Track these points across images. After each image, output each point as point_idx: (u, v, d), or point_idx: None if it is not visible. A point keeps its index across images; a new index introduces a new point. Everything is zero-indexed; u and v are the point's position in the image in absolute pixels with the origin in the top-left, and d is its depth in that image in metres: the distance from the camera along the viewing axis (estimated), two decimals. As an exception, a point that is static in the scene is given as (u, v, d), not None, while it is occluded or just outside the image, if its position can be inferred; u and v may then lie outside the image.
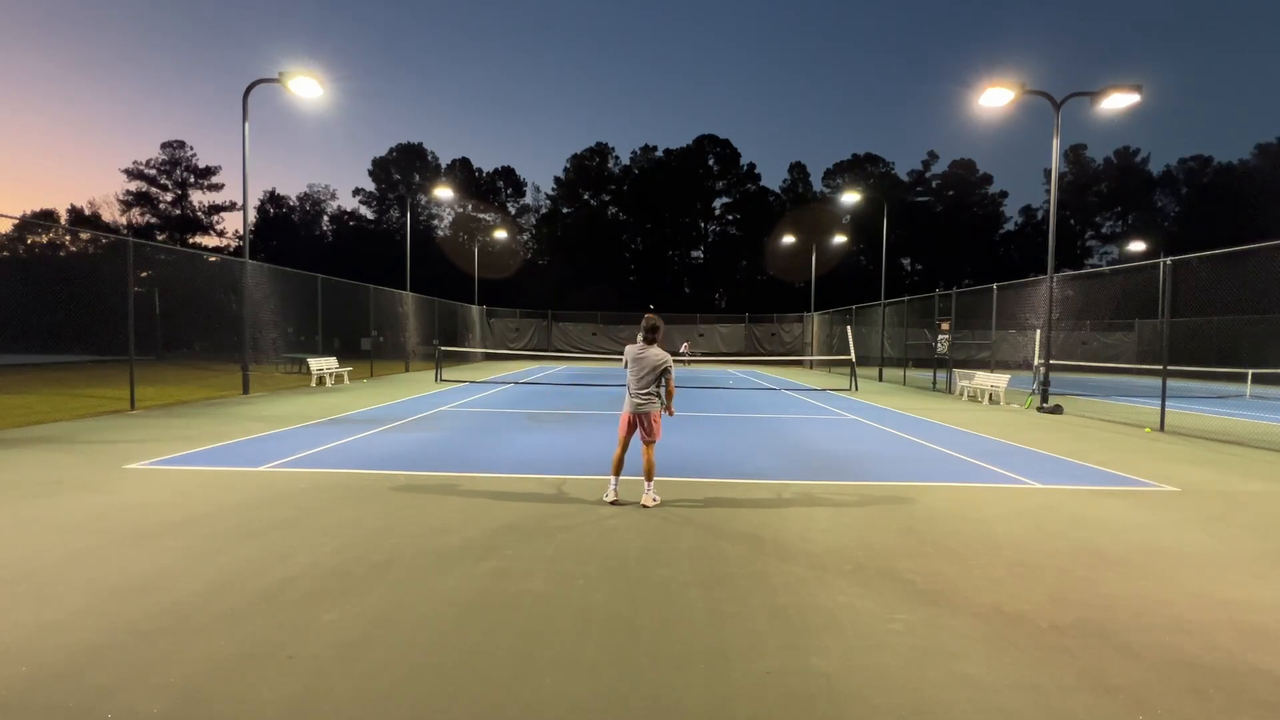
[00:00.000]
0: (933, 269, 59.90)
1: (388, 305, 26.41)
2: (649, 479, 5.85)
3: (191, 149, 56.44)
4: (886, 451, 9.18)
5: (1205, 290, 17.11)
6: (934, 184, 63.21)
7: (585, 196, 63.15)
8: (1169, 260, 12.38)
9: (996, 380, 16.95)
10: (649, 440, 5.89)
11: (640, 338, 5.92)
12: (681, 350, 38.64)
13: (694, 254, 64.49)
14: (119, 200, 55.11)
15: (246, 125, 15.60)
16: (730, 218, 63.68)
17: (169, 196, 56.08)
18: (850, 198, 43.70)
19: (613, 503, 5.82)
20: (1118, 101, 14.22)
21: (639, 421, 5.88)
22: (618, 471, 5.95)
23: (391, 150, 62.32)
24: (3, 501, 5.72)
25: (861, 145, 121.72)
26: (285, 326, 19.40)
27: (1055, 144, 15.22)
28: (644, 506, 5.73)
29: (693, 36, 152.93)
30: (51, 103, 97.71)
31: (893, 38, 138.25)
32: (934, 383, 21.49)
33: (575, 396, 16.45)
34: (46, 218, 52.11)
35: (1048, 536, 5.17)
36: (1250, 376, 22.08)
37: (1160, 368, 12.16)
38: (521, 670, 2.97)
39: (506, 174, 64.55)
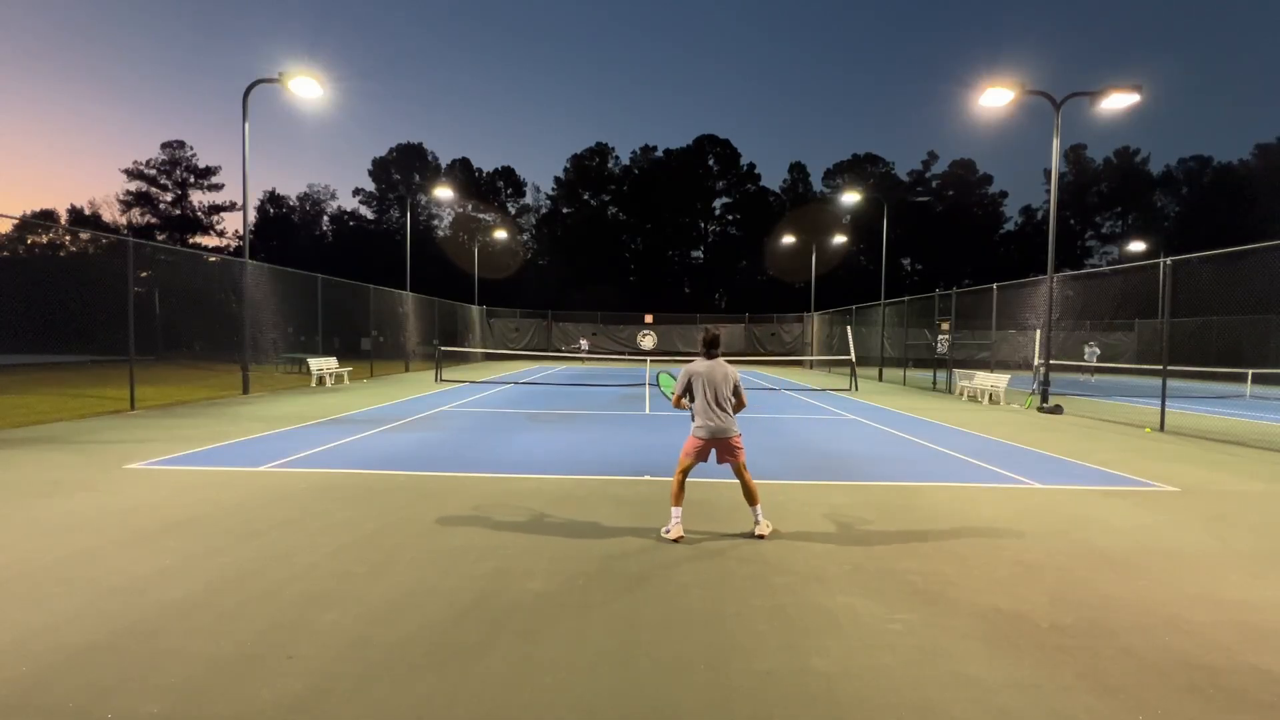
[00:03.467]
0: (933, 269, 59.87)
1: (388, 305, 26.41)
2: (757, 503, 5.04)
3: (191, 149, 56.54)
4: (886, 451, 9.17)
5: (1205, 290, 17.11)
6: (934, 184, 63.15)
7: (585, 196, 63.13)
8: (1169, 260, 12.38)
9: (996, 380, 16.95)
10: (742, 464, 5.02)
11: (705, 353, 5.09)
12: (581, 345, 38.95)
13: (694, 254, 64.47)
14: (119, 200, 55.21)
15: (246, 125, 15.61)
16: (730, 218, 63.65)
17: (169, 196, 56.12)
18: (850, 198, 43.70)
19: (676, 540, 4.84)
20: (1117, 101, 14.23)
21: (721, 446, 4.96)
22: (680, 502, 4.97)
23: (391, 150, 62.35)
24: (2, 501, 5.73)
25: (861, 145, 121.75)
26: (285, 326, 19.40)
27: (1055, 144, 15.21)
28: (760, 536, 4.93)
29: (693, 36, 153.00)
30: (52, 103, 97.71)
31: (893, 37, 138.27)
32: (934, 383, 21.49)
33: (575, 397, 16.45)
34: (46, 218, 52.17)
35: (1048, 536, 5.17)
36: (1250, 376, 22.08)
37: (1160, 368, 12.16)
38: (521, 670, 2.97)
39: (506, 174, 64.57)
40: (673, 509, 4.96)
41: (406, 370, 25.85)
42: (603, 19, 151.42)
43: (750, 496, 5.07)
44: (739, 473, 5.06)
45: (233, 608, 3.58)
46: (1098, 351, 25.85)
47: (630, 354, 40.16)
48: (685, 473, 5.03)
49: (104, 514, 5.35)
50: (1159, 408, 11.89)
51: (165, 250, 31.68)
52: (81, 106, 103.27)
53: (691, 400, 5.07)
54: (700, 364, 5.06)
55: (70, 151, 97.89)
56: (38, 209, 55.19)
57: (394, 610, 3.58)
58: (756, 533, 4.99)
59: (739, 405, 5.13)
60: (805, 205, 60.02)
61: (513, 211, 64.33)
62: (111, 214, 55.01)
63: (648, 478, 7.06)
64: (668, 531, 4.92)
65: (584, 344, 39.78)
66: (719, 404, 4.97)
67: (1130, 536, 5.22)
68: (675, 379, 5.29)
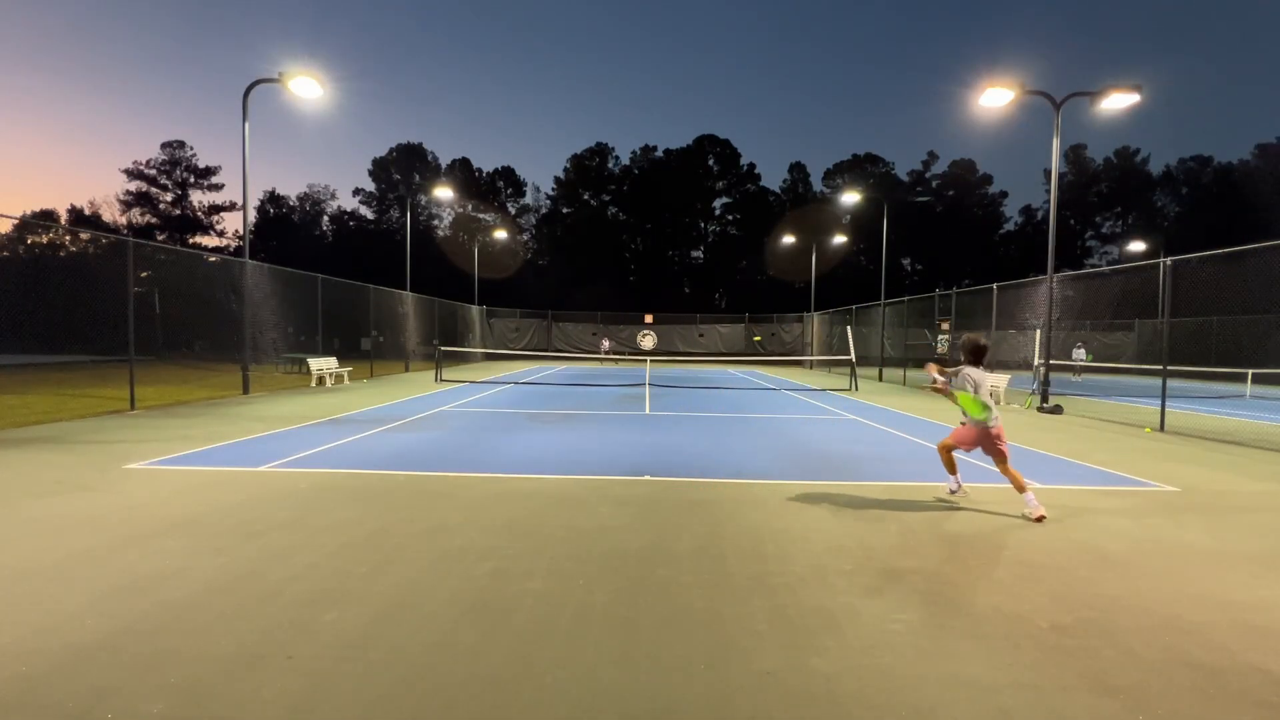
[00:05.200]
0: (933, 269, 59.93)
1: (388, 305, 26.41)
2: (1024, 490, 5.72)
3: (191, 149, 56.63)
4: (886, 451, 9.17)
5: (1205, 290, 17.10)
6: (934, 184, 63.22)
7: (585, 196, 63.17)
8: (1169, 260, 12.38)
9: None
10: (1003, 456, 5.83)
11: (974, 360, 6.04)
12: (605, 349, 38.80)
13: (694, 254, 64.52)
14: (119, 200, 55.28)
15: (246, 125, 15.61)
16: (730, 218, 63.70)
17: (169, 196, 56.19)
18: (850, 198, 43.68)
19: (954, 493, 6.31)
20: (1117, 101, 14.23)
21: (990, 433, 5.80)
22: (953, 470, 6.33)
23: (391, 150, 62.40)
24: (3, 501, 5.72)
25: (861, 145, 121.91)
26: (285, 326, 19.40)
27: (1055, 144, 15.22)
28: (1038, 519, 5.53)
29: (693, 36, 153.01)
30: (52, 103, 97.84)
31: (892, 38, 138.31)
32: (934, 383, 21.45)
33: (575, 397, 16.45)
34: (46, 218, 52.22)
35: (1048, 536, 5.17)
36: (1250, 376, 22.08)
37: (1160, 368, 12.16)
38: (521, 670, 2.97)
39: (506, 174, 64.60)
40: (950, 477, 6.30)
41: (406, 370, 25.85)
42: (603, 18, 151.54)
43: (1017, 486, 5.77)
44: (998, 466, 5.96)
45: (233, 608, 3.58)
46: (1082, 354, 25.93)
47: (631, 354, 40.16)
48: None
49: (104, 514, 5.35)
50: (1159, 408, 11.88)
51: (165, 250, 31.68)
52: (81, 106, 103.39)
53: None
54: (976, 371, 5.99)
55: (70, 151, 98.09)
56: (38, 209, 55.33)
57: (394, 610, 3.58)
58: (1033, 517, 5.56)
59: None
60: (805, 205, 60.09)
61: (513, 211, 64.37)
62: (111, 214, 55.12)
63: (648, 478, 7.06)
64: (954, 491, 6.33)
65: (606, 344, 39.45)
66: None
67: (1130, 536, 5.22)
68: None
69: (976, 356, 5.99)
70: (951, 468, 6.29)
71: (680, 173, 61.07)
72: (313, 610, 3.56)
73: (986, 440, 5.83)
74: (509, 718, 2.61)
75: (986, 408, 5.76)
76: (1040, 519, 5.50)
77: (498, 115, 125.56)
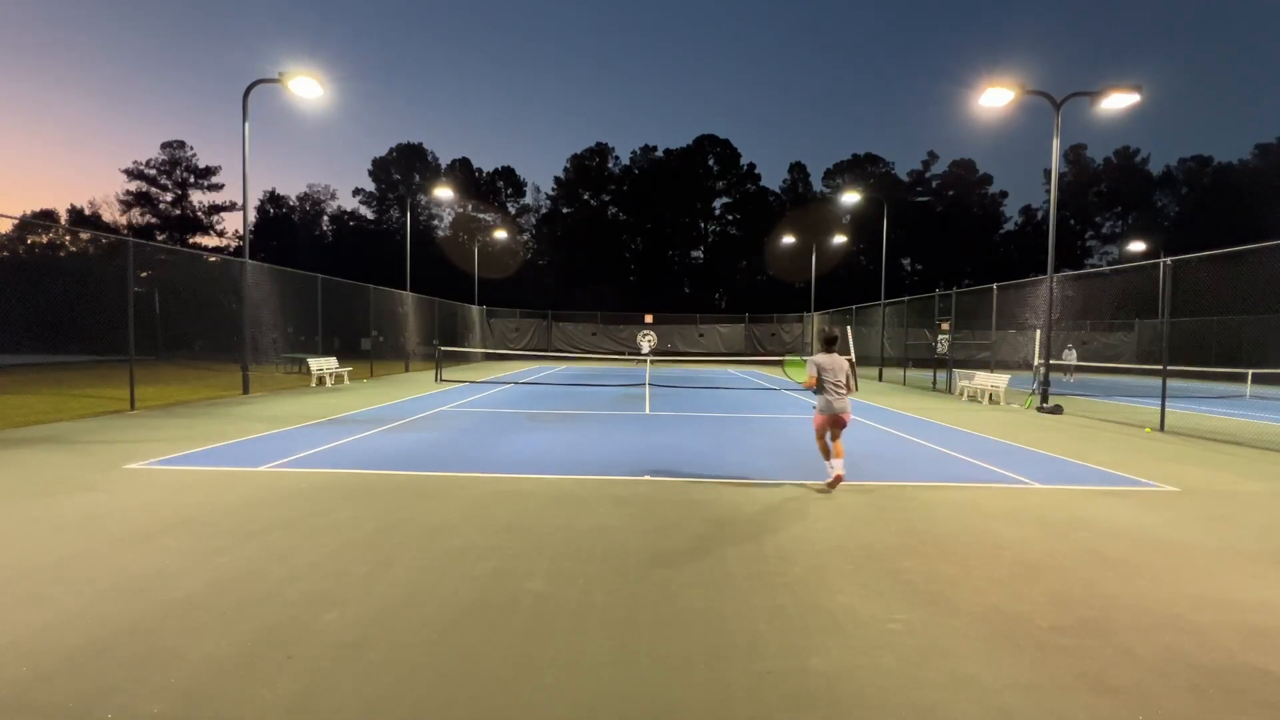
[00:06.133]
0: (933, 269, 59.90)
1: (388, 305, 26.40)
2: (840, 457, 6.63)
3: (191, 149, 56.63)
4: (886, 451, 9.17)
5: (1205, 290, 17.11)
6: (934, 184, 63.19)
7: (585, 196, 63.14)
8: (1169, 260, 12.38)
9: (996, 380, 16.95)
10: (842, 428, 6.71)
11: (825, 349, 6.71)
12: (643, 351, 38.60)
13: (694, 254, 64.48)
14: (119, 200, 55.27)
15: (246, 125, 15.60)
16: (730, 218, 63.66)
17: (169, 196, 56.18)
18: (850, 198, 43.67)
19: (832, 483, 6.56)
20: (1117, 101, 14.23)
21: (839, 418, 6.56)
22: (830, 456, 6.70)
23: (391, 150, 62.38)
24: (2, 501, 5.73)
25: (861, 145, 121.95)
26: (285, 326, 19.40)
27: (1055, 144, 15.22)
28: (833, 484, 6.57)
29: (693, 37, 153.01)
30: (52, 103, 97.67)
31: (893, 38, 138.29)
32: (934, 383, 21.49)
33: (575, 397, 16.45)
34: (46, 218, 52.22)
35: (1048, 536, 5.17)
36: (1250, 376, 22.09)
37: (1160, 368, 12.16)
38: (521, 670, 2.97)
39: (506, 174, 64.57)
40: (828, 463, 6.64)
41: (406, 370, 25.85)
42: (603, 19, 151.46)
43: (837, 452, 6.63)
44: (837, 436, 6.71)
45: (233, 608, 3.58)
46: (1074, 353, 26.00)
47: (631, 354, 40.14)
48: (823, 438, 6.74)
49: (104, 514, 5.35)
50: (1159, 408, 11.89)
51: (165, 250, 31.69)
52: (81, 106, 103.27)
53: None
54: (820, 358, 6.62)
55: (70, 151, 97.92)
56: (38, 209, 55.30)
57: (394, 610, 3.58)
58: (834, 475, 6.52)
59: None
60: (805, 205, 60.06)
61: (513, 211, 64.36)
62: (111, 214, 55.11)
63: (648, 477, 7.06)
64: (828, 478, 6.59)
65: (647, 344, 38.72)
66: (838, 387, 6.59)
67: (1130, 536, 5.22)
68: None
69: (827, 345, 6.75)
70: (826, 454, 6.72)
71: (680, 173, 61.03)
72: (313, 610, 3.56)
73: (835, 421, 6.61)
74: (509, 718, 2.62)
75: (805, 372, 6.75)
76: (834, 483, 6.52)
77: (498, 115, 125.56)
